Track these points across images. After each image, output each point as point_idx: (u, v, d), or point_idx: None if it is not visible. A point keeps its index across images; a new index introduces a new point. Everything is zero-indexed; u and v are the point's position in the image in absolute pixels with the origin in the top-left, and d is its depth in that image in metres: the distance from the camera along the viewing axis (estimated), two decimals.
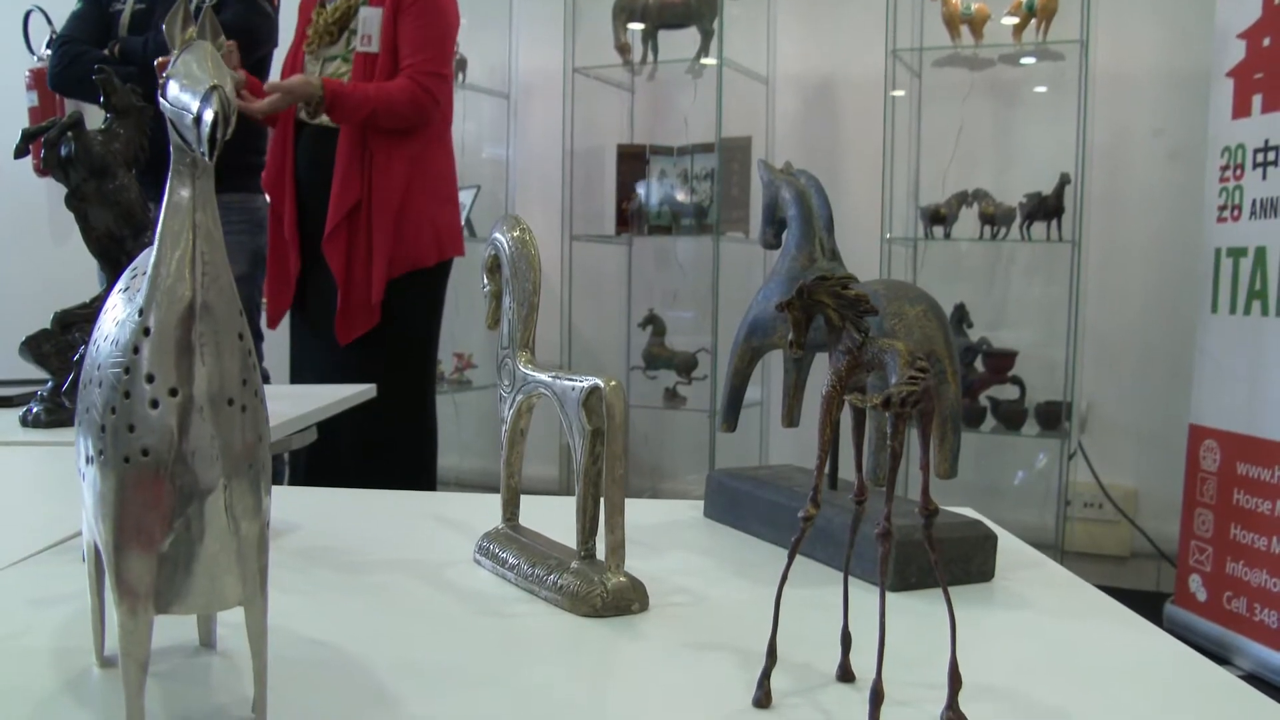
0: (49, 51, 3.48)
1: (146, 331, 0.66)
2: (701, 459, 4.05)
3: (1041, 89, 3.88)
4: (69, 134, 1.91)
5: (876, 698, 0.74)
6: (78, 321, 1.97)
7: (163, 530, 0.66)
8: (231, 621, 0.88)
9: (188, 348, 0.65)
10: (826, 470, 1.34)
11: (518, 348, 1.12)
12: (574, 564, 1.03)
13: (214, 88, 0.59)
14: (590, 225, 4.21)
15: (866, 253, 3.90)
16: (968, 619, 1.04)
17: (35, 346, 1.92)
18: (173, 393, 0.65)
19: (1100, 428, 3.90)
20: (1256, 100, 3.23)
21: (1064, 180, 3.53)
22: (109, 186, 1.97)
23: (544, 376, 1.07)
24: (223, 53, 2.22)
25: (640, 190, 4.07)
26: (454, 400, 4.47)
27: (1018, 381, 3.63)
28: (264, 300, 3.39)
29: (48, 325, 1.96)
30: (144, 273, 0.78)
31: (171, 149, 0.66)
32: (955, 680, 0.79)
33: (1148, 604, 3.17)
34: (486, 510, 1.42)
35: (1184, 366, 3.47)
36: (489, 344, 4.51)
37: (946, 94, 3.88)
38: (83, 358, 1.07)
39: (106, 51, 3.17)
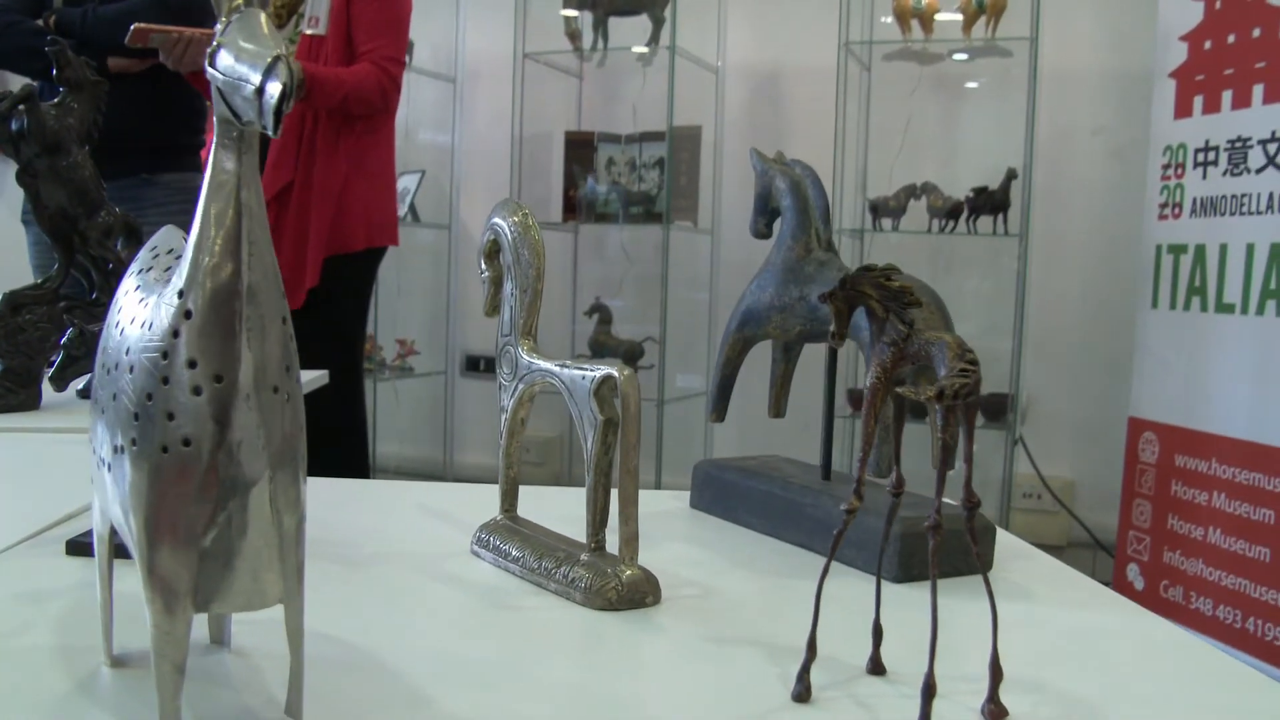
0: None
1: (188, 314, 0.62)
2: (646, 447, 4.03)
3: (989, 85, 3.93)
4: (21, 108, 1.83)
5: (929, 692, 0.73)
6: (29, 303, 1.89)
7: (204, 524, 0.63)
8: (240, 618, 0.84)
9: (233, 332, 0.62)
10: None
11: (520, 335, 1.10)
12: (584, 556, 1.01)
13: (278, 58, 0.56)
14: (537, 212, 4.14)
15: None
16: (977, 610, 1.05)
17: None
18: (217, 379, 0.62)
19: (1040, 420, 3.97)
20: (1198, 101, 3.30)
21: (1010, 175, 3.58)
22: (62, 163, 1.90)
23: (550, 365, 1.05)
24: (202, 40, 2.14)
25: (589, 177, 4.04)
26: (395, 387, 4.41)
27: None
28: None
29: None
30: (168, 252, 0.75)
31: (216, 120, 0.62)
32: (997, 673, 0.79)
33: None
34: (474, 501, 1.40)
35: (1123, 360, 3.54)
36: (431, 330, 4.45)
37: (895, 87, 3.91)
38: (75, 341, 1.02)
39: (41, 23, 3.05)
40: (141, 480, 0.63)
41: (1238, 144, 3.15)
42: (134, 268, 0.76)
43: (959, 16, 3.61)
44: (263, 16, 0.61)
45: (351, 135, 2.96)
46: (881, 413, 1.17)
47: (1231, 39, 3.19)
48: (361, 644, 0.86)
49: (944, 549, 1.19)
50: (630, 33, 3.98)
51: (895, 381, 0.80)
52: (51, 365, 1.99)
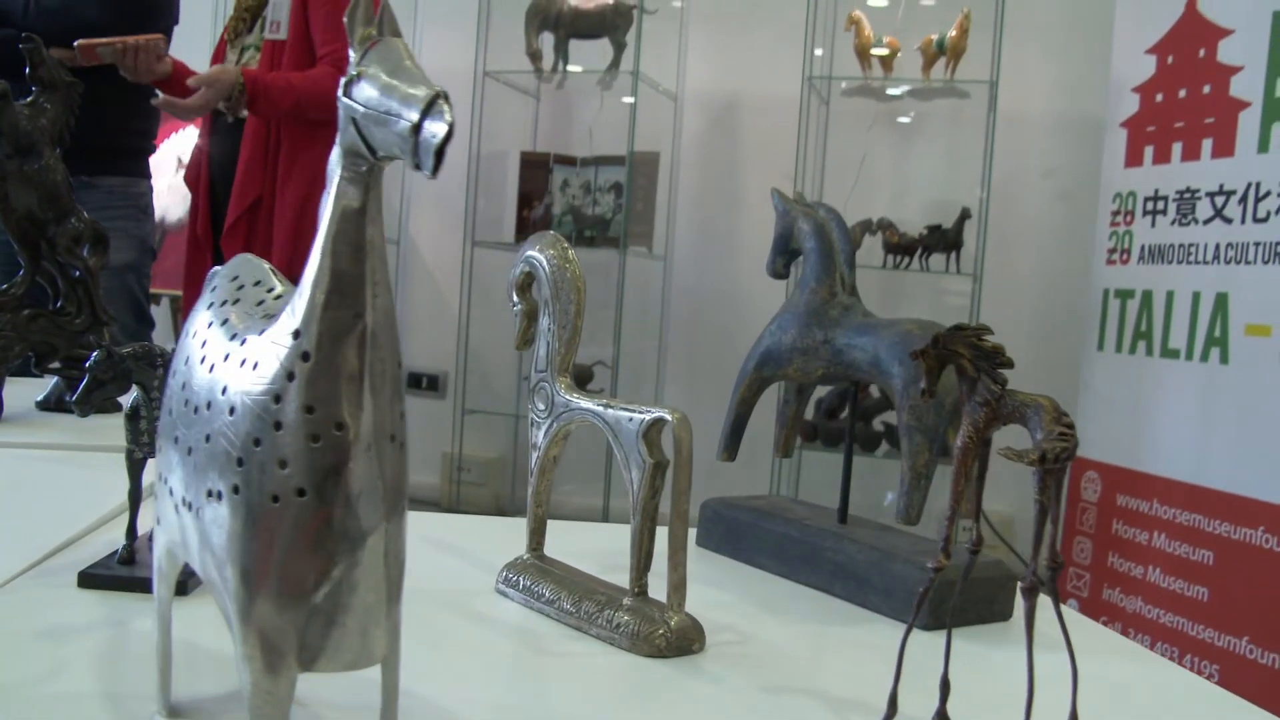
0: None
1: (305, 356, 0.59)
2: (594, 469, 4.01)
3: (943, 125, 4.00)
4: None
5: None
6: None
7: (317, 579, 0.60)
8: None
9: (357, 378, 0.59)
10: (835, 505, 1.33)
11: (556, 372, 1.08)
12: (627, 601, 0.99)
13: (438, 96, 0.53)
14: (489, 232, 4.13)
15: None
16: (1008, 662, 1.05)
17: None
18: (338, 427, 0.59)
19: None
20: (1148, 151, 3.39)
21: (964, 214, 3.64)
22: (33, 166, 1.83)
23: (592, 405, 1.03)
24: (150, 46, 2.07)
25: (546, 200, 4.02)
26: None
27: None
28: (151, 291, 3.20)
29: None
30: (255, 284, 0.71)
31: (340, 151, 0.60)
32: None
33: None
34: (483, 534, 1.37)
35: (1068, 400, 3.61)
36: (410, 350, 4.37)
37: (852, 122, 3.96)
38: (102, 364, 0.97)
39: None
40: (245, 530, 0.60)
41: (1186, 195, 3.24)
42: (209, 298, 0.72)
43: (919, 57, 3.67)
44: (403, 46, 0.58)
45: (314, 147, 2.88)
46: (915, 459, 1.18)
47: (1183, 93, 3.28)
48: (410, 689, 0.83)
49: (971, 598, 1.19)
50: (589, 56, 3.97)
51: (984, 441, 0.80)
52: (72, 388, 1.90)
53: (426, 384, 4.46)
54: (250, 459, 0.60)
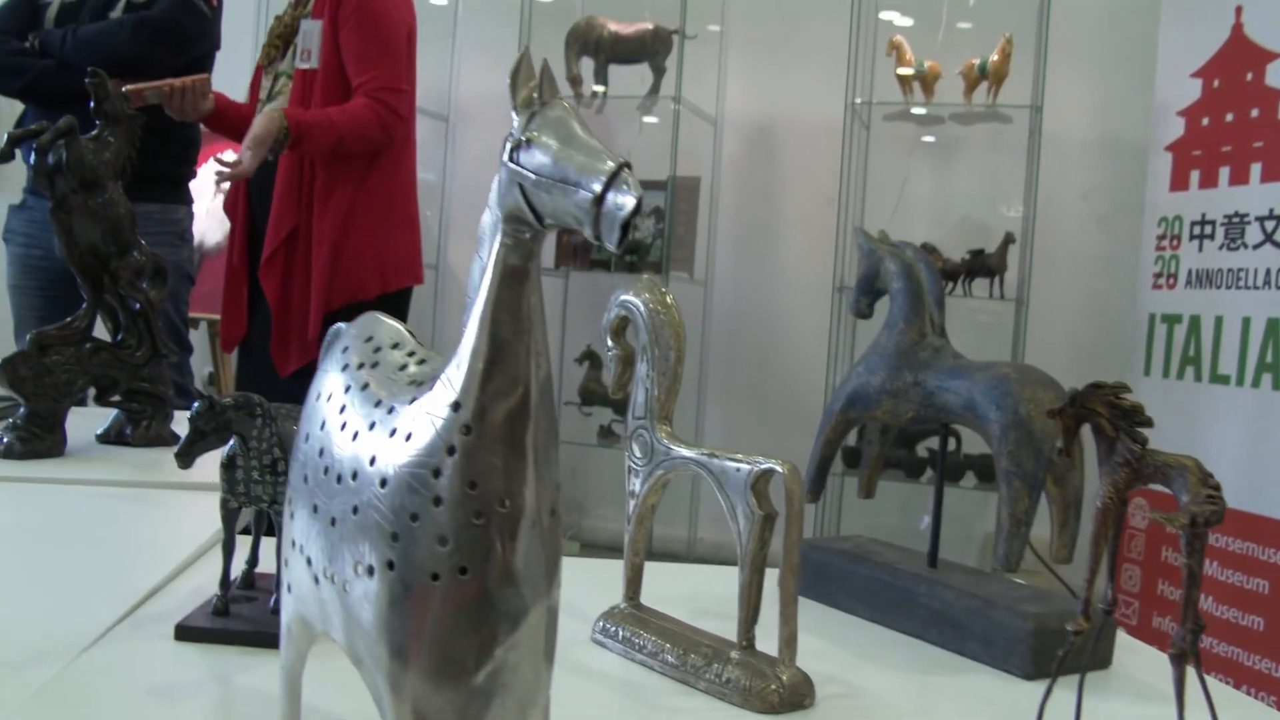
0: None
1: (466, 430, 0.58)
2: (677, 503, 3.99)
3: (984, 149, 3.97)
4: (61, 141, 1.76)
5: None
6: (55, 344, 1.81)
7: (479, 660, 0.58)
8: None
9: (521, 453, 0.58)
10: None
11: (656, 419, 1.06)
12: (735, 654, 0.97)
13: (623, 167, 0.52)
14: None
15: (812, 301, 3.92)
16: (1114, 713, 1.03)
17: (12, 370, 1.75)
18: (502, 504, 0.57)
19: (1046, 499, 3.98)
20: (1195, 175, 3.36)
21: (1008, 239, 3.61)
22: (97, 200, 1.83)
23: (695, 454, 1.01)
24: (196, 86, 2.03)
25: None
26: None
27: (954, 434, 3.69)
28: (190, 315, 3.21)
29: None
30: (393, 347, 0.70)
31: (501, 215, 0.58)
32: None
33: None
34: (576, 579, 1.35)
35: None
36: None
37: (892, 147, 3.94)
38: (204, 415, 0.96)
39: (27, 44, 2.96)
40: (399, 607, 0.58)
41: (1235, 219, 3.21)
42: (340, 359, 0.71)
43: (960, 81, 3.65)
44: (572, 111, 0.57)
45: (350, 176, 2.82)
46: (1015, 505, 1.16)
47: (1230, 117, 3.25)
48: None
49: (1080, 654, 1.17)
50: (629, 81, 3.97)
51: (1123, 502, 0.78)
52: (133, 421, 1.90)
53: None
54: (406, 535, 0.58)
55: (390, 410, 0.63)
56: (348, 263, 2.82)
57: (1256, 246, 3.13)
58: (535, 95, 0.58)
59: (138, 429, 1.93)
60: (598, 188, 0.52)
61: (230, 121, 2.82)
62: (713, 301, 4.27)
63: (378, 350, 0.69)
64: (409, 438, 0.60)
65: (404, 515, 0.59)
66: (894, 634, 1.21)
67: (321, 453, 0.66)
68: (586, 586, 1.21)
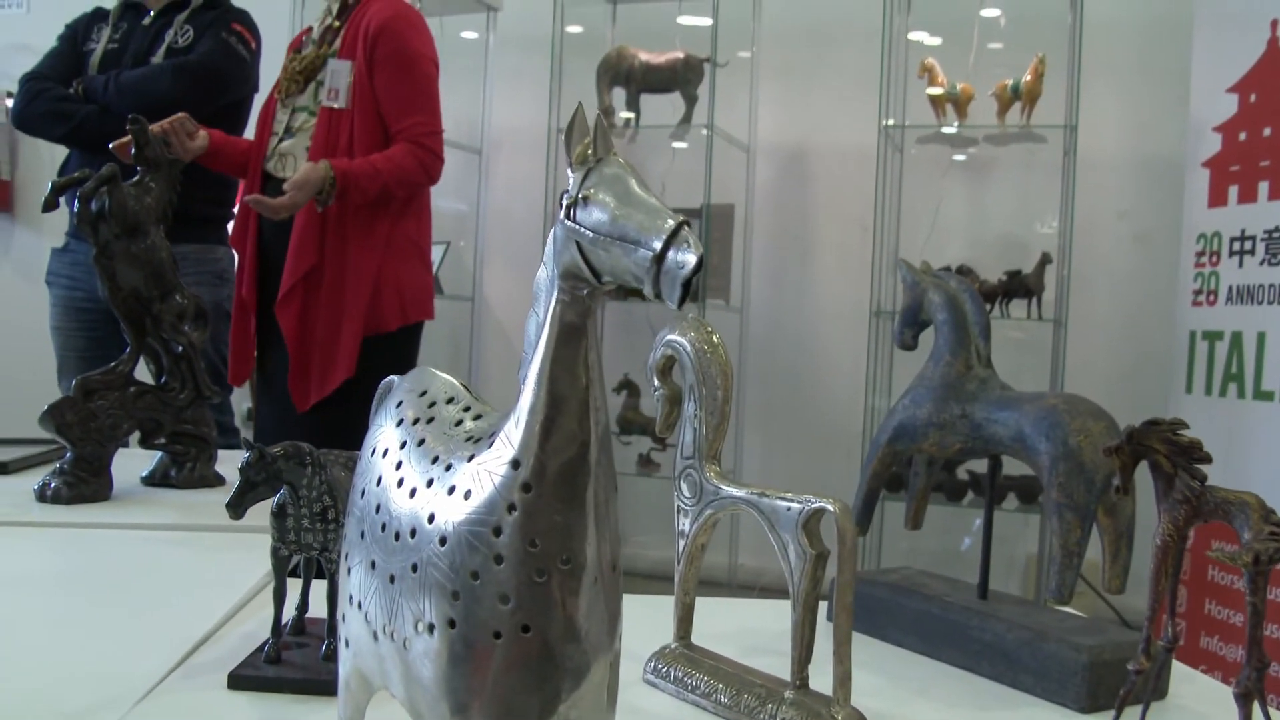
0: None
1: (526, 488, 0.58)
2: (668, 523, 3.97)
3: (1018, 170, 3.95)
4: (104, 188, 1.78)
5: None
6: (100, 389, 1.83)
7: (542, 717, 0.58)
8: None
9: (581, 510, 0.58)
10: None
11: (704, 459, 1.06)
12: (789, 694, 0.97)
13: (683, 225, 0.52)
14: None
15: (848, 326, 3.91)
16: None
17: (58, 415, 1.77)
18: (564, 561, 0.57)
19: (1097, 529, 3.94)
20: (1233, 191, 3.33)
21: (1045, 259, 3.58)
22: (140, 245, 1.85)
23: (744, 493, 1.01)
24: (177, 126, 2.03)
25: None
26: None
27: (995, 456, 3.66)
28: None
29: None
30: (448, 401, 0.70)
31: (557, 272, 0.58)
32: None
33: None
34: (629, 615, 1.35)
35: None
36: None
37: (926, 170, 3.93)
38: (254, 465, 0.97)
39: (71, 90, 3.01)
40: (461, 665, 0.59)
41: (1275, 234, 3.17)
42: (395, 414, 0.71)
43: (993, 102, 3.63)
44: (629, 168, 0.57)
45: (388, 215, 2.85)
46: (1067, 537, 1.14)
47: (1268, 132, 3.22)
48: None
49: (1124, 676, 1.15)
50: (661, 110, 3.98)
51: (1183, 538, 0.76)
52: (177, 463, 1.92)
53: None
54: (468, 593, 0.58)
55: (448, 467, 0.63)
56: (377, 298, 2.83)
57: None
58: (590, 152, 0.58)
59: (182, 471, 1.95)
60: (658, 246, 0.52)
61: (228, 157, 2.82)
62: (749, 328, 4.26)
63: (432, 405, 0.70)
64: (468, 495, 0.60)
65: (464, 573, 0.59)
66: (945, 667, 1.20)
67: (379, 509, 0.66)
68: (635, 624, 1.20)
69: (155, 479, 1.96)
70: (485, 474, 0.59)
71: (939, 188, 3.93)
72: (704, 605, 1.35)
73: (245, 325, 2.96)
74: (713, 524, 1.06)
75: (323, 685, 0.98)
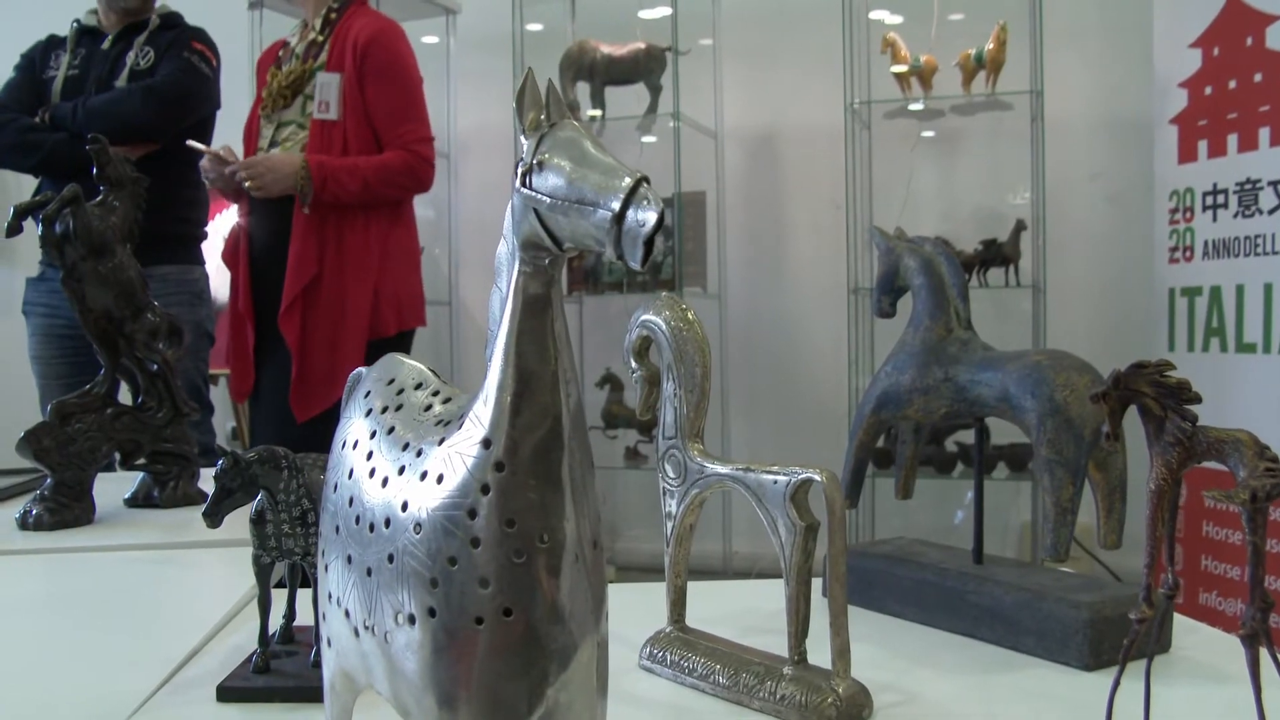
0: None
1: (499, 466, 0.56)
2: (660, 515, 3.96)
3: (987, 138, 3.95)
4: (67, 209, 1.76)
5: None
6: (77, 412, 1.80)
7: (531, 702, 0.56)
8: None
9: (557, 484, 0.56)
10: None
11: (687, 438, 1.04)
12: (788, 670, 0.95)
13: (641, 182, 0.50)
14: None
15: (827, 305, 3.90)
16: (1179, 698, 1.00)
17: (35, 441, 1.74)
18: (543, 540, 0.56)
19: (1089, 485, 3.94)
20: (1202, 146, 3.33)
21: (1020, 226, 3.58)
22: (107, 265, 1.82)
23: (730, 470, 1.00)
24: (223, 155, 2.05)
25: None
26: None
27: (980, 418, 3.64)
28: (210, 373, 3.21)
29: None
30: (416, 387, 0.68)
31: (518, 244, 0.57)
32: None
33: None
34: (617, 604, 1.33)
35: None
36: None
37: (895, 145, 3.92)
38: (230, 472, 0.95)
39: (37, 119, 2.98)
40: (444, 654, 0.57)
41: (1247, 186, 3.17)
42: (363, 405, 0.69)
43: (958, 73, 3.63)
44: (583, 130, 0.56)
45: (381, 220, 2.87)
46: (1059, 494, 1.13)
47: (1233, 84, 3.23)
48: None
49: (1124, 631, 1.14)
50: (626, 101, 3.96)
51: (1177, 482, 0.75)
52: (159, 483, 1.89)
53: None
54: (446, 579, 0.57)
55: (419, 453, 0.61)
56: (377, 303, 2.85)
57: (1271, 211, 3.10)
58: (543, 118, 0.57)
59: (165, 490, 1.92)
60: (617, 205, 0.50)
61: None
62: (728, 314, 4.25)
63: (400, 392, 0.68)
64: (440, 479, 0.58)
65: (442, 559, 0.57)
66: (945, 635, 1.19)
67: (351, 502, 0.65)
68: (630, 612, 1.19)
69: (138, 500, 1.93)
70: (456, 456, 0.58)
71: (909, 162, 3.93)
72: (699, 589, 1.33)
73: (244, 340, 2.96)
74: (700, 503, 1.05)
75: (313, 692, 0.96)
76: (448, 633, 0.56)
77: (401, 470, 0.61)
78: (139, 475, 1.94)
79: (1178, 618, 1.23)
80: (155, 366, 1.91)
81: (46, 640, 1.22)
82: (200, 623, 1.22)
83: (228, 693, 0.99)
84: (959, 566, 1.24)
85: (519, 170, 0.56)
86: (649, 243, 0.49)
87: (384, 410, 0.67)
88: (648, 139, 4.09)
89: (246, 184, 2.72)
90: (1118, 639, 1.08)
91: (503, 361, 0.57)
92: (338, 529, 0.66)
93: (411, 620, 0.58)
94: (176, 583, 1.47)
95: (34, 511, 1.74)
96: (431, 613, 0.57)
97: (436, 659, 0.57)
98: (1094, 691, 1.00)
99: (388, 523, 0.61)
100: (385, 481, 0.62)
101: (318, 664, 1.01)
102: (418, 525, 0.58)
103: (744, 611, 1.24)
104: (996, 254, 3.62)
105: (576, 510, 0.56)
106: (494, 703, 0.56)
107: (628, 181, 0.50)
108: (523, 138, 0.57)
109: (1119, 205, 3.95)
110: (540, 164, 0.54)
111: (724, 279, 4.25)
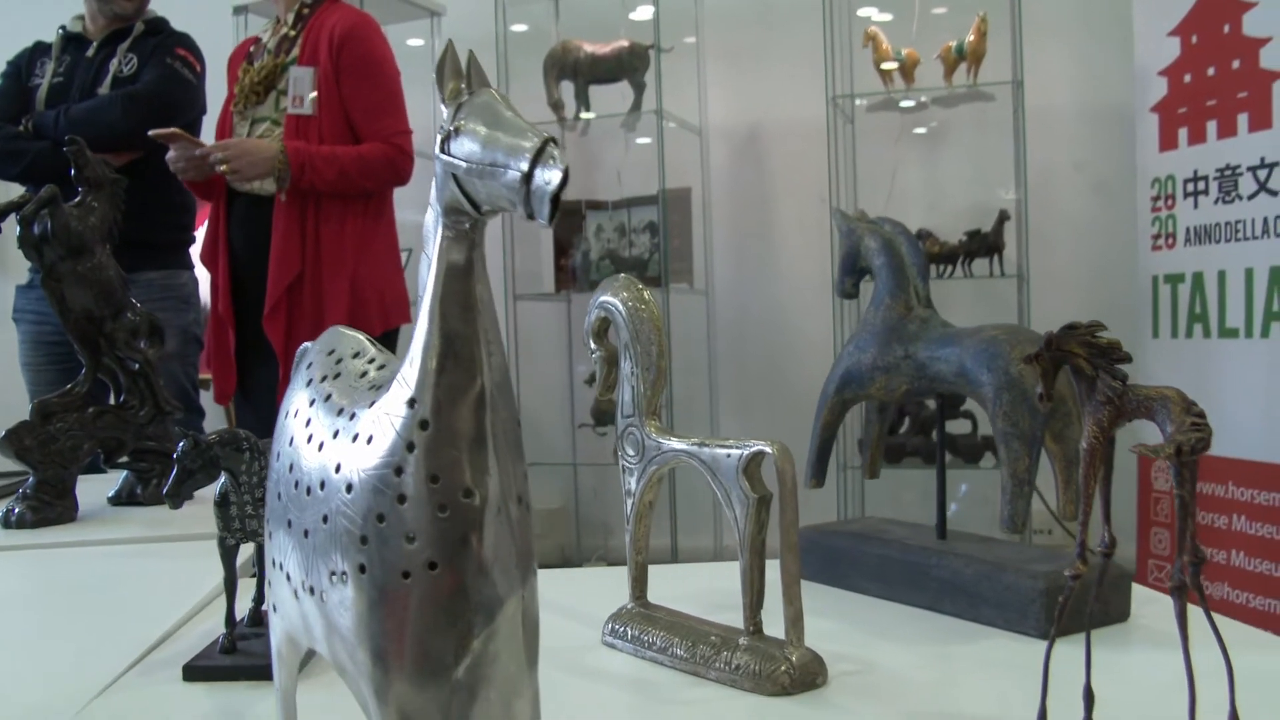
0: None
1: (424, 425, 0.58)
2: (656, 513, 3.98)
3: (970, 130, 3.97)
4: (45, 210, 1.77)
5: None
6: (58, 411, 1.82)
7: (458, 654, 0.58)
8: None
9: (480, 441, 0.58)
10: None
11: (644, 415, 1.06)
12: (742, 640, 0.97)
13: (548, 142, 0.52)
14: (529, 284, 4.14)
15: (814, 299, 3.91)
16: (1134, 663, 1.02)
17: (16, 440, 1.76)
18: (466, 494, 0.57)
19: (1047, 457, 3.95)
20: (1183, 133, 3.35)
21: (1003, 216, 3.60)
22: (86, 265, 1.84)
23: (685, 445, 1.01)
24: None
25: (582, 246, 4.02)
26: None
27: (969, 416, 3.67)
28: (199, 377, 3.22)
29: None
30: (354, 356, 0.70)
31: (442, 210, 0.58)
32: None
33: None
34: (587, 587, 1.35)
35: None
36: None
37: (878, 138, 3.94)
38: (190, 453, 0.96)
39: (21, 127, 3.00)
40: (375, 610, 0.58)
41: (1227, 172, 3.19)
42: (305, 375, 0.71)
43: (940, 65, 3.65)
44: (499, 97, 0.57)
45: (356, 216, 2.86)
46: (1015, 465, 1.15)
47: (1211, 71, 3.24)
48: None
49: (1084, 600, 1.15)
50: (610, 100, 3.98)
51: (1109, 440, 0.77)
52: (143, 481, 1.91)
53: None
54: (375, 536, 0.58)
55: (352, 416, 0.63)
56: (357, 301, 2.84)
57: (1251, 197, 3.11)
58: (463, 86, 0.58)
59: (148, 488, 1.94)
60: (525, 166, 0.52)
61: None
62: (716, 310, 4.27)
63: (339, 361, 0.70)
64: (370, 440, 0.60)
65: (371, 517, 0.58)
66: (907, 609, 1.20)
67: (291, 468, 0.66)
68: (597, 593, 1.21)
69: (122, 498, 1.95)
70: (385, 417, 0.59)
71: (893, 155, 3.95)
72: (670, 570, 1.35)
73: (225, 342, 2.95)
74: (658, 480, 1.06)
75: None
76: (377, 588, 0.58)
77: (336, 434, 0.63)
78: (124, 474, 1.96)
79: (1140, 589, 1.25)
80: (136, 365, 1.92)
81: (19, 628, 1.24)
82: (175, 610, 1.24)
83: (194, 672, 1.00)
84: (921, 542, 1.25)
85: (438, 137, 0.57)
86: (555, 200, 0.51)
87: (323, 379, 0.68)
88: (643, 140, 4.08)
89: (222, 168, 2.70)
90: (1075, 608, 1.09)
91: (427, 324, 0.58)
92: (279, 495, 0.67)
93: (344, 578, 0.60)
94: (153, 574, 1.48)
95: (16, 510, 1.75)
96: (362, 569, 0.58)
97: (368, 614, 0.58)
98: (1036, 657, 1.02)
99: (323, 485, 0.62)
100: (321, 446, 0.64)
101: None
102: (349, 486, 0.60)
103: (711, 591, 1.25)
104: (980, 245, 3.64)
105: (500, 466, 0.58)
106: (423, 655, 0.57)
107: (535, 142, 0.52)
108: (443, 106, 0.58)
109: (1103, 194, 3.97)
110: (457, 130, 0.56)
111: (711, 275, 4.26)
